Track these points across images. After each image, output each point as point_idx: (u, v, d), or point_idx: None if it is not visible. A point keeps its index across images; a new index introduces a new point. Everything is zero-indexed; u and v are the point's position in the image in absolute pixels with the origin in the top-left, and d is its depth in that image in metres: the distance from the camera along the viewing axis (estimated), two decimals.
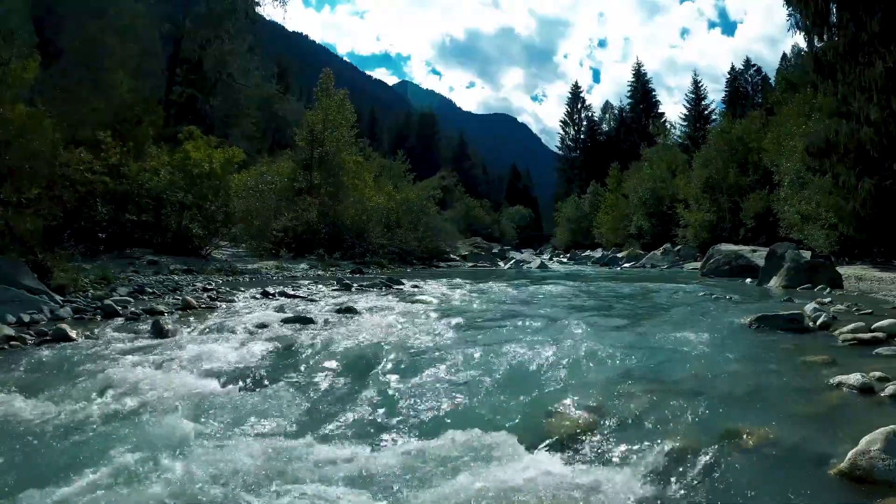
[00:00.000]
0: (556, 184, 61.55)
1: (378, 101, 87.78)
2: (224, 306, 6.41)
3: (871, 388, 2.76)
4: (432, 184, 25.79)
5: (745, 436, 2.24)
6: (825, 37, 11.85)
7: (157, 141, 13.26)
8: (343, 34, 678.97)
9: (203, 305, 6.34)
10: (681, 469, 2.06)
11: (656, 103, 54.88)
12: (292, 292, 7.88)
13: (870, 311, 5.50)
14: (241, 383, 3.32)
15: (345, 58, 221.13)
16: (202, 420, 2.61)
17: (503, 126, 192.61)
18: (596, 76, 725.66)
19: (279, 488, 1.98)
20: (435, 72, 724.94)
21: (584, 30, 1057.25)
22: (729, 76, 45.54)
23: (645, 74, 55.84)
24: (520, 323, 5.35)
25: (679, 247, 24.77)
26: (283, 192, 17.79)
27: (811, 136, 13.41)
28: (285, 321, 5.22)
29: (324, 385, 3.32)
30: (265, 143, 29.32)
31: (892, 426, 2.00)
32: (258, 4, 27.26)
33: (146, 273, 9.21)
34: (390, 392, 3.07)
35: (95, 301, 6.01)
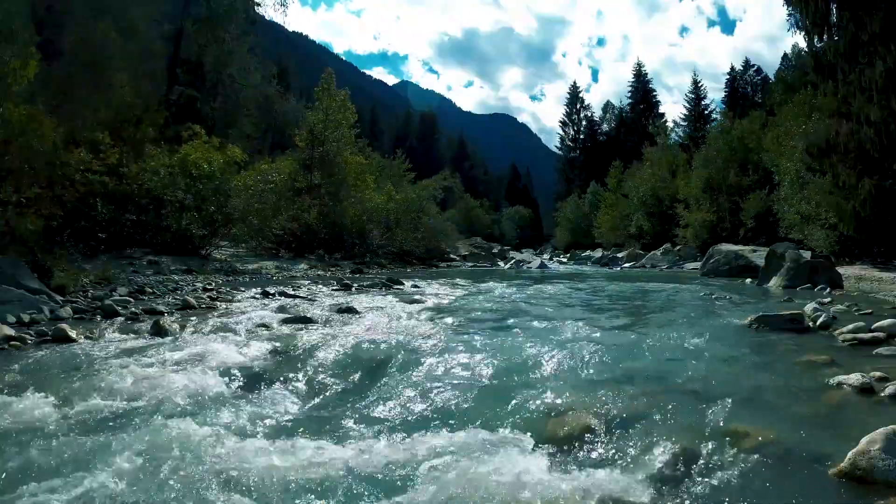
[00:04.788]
0: (556, 184, 61.52)
1: (378, 101, 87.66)
2: (224, 306, 6.41)
3: (871, 388, 2.76)
4: (433, 184, 25.72)
5: (745, 436, 2.24)
6: (825, 37, 11.84)
7: (157, 141, 13.25)
8: (340, 33, 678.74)
9: (203, 305, 6.34)
10: (681, 469, 2.06)
11: (656, 103, 54.88)
12: (292, 292, 7.88)
13: (870, 311, 5.50)
14: (241, 383, 3.32)
15: (342, 56, 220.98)
16: (202, 420, 2.61)
17: (503, 126, 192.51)
18: (595, 75, 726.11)
19: (279, 488, 1.98)
20: (432, 70, 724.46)
21: (582, 28, 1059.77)
22: (728, 76, 45.58)
23: (645, 74, 55.85)
24: (519, 323, 5.35)
25: (679, 247, 24.76)
26: (282, 192, 17.78)
27: (811, 136, 13.39)
28: (285, 321, 5.23)
29: (324, 385, 3.32)
30: (265, 143, 29.26)
31: (892, 426, 2.00)
32: (258, 5, 27.25)
33: (146, 273, 9.21)
34: (390, 392, 3.07)
35: (95, 301, 6.01)
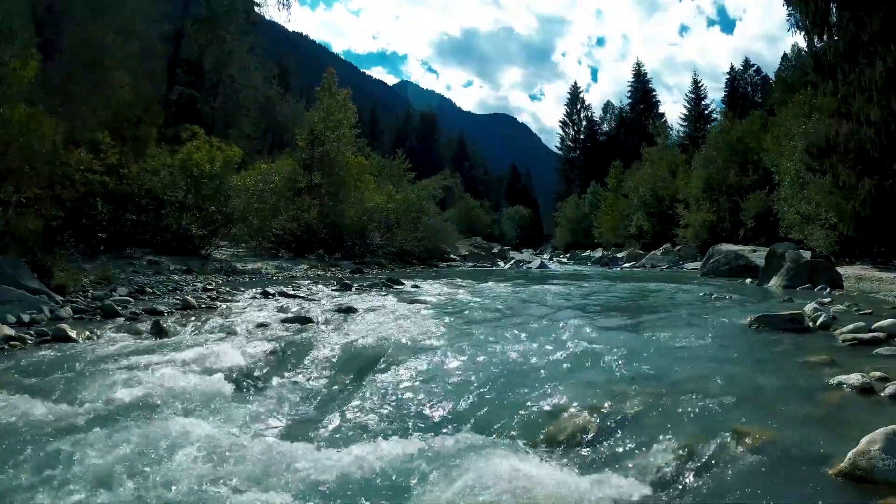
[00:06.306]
0: (556, 184, 61.53)
1: (378, 101, 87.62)
2: (224, 306, 6.41)
3: (871, 388, 2.75)
4: (432, 184, 25.73)
5: (745, 436, 2.24)
6: (825, 37, 11.84)
7: (157, 141, 13.26)
8: (339, 33, 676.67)
9: (203, 305, 6.34)
10: (681, 469, 2.06)
11: (656, 103, 54.90)
12: (292, 292, 7.88)
13: (870, 311, 5.50)
14: (241, 383, 3.32)
15: (341, 56, 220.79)
16: (202, 420, 2.62)
17: (503, 126, 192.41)
18: (594, 75, 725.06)
19: (279, 488, 1.98)
20: (432, 70, 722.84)
21: (582, 28, 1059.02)
22: (728, 76, 45.60)
23: (645, 74, 55.86)
24: (519, 323, 5.34)
25: (679, 247, 24.76)
26: (282, 192, 17.80)
27: (811, 136, 13.39)
28: (285, 321, 5.23)
29: (324, 385, 3.32)
30: (265, 143, 29.25)
31: (892, 426, 2.00)
32: (258, 6, 27.25)
33: (146, 273, 9.22)
34: (390, 392, 3.07)
35: (95, 301, 6.02)
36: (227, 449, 2.27)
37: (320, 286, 9.02)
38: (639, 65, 56.03)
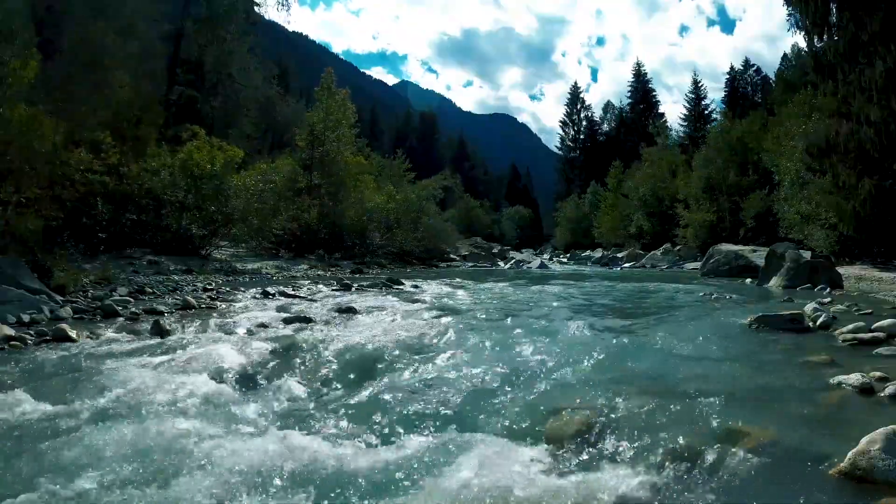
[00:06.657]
0: (556, 184, 61.54)
1: (378, 101, 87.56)
2: (224, 306, 6.41)
3: (871, 388, 2.76)
4: (432, 184, 25.73)
5: (745, 436, 2.24)
6: (825, 37, 11.84)
7: (157, 141, 13.28)
8: (339, 33, 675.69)
9: (203, 305, 6.34)
10: (681, 469, 2.06)
11: (656, 103, 54.90)
12: (292, 292, 7.88)
13: (870, 311, 5.50)
14: (241, 383, 3.32)
15: (341, 56, 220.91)
16: (202, 420, 2.61)
17: (503, 126, 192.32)
18: (594, 75, 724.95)
19: (279, 488, 1.98)
20: (432, 70, 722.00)
21: (582, 28, 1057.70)
22: (728, 76, 45.60)
23: (645, 74, 55.87)
24: (519, 323, 5.34)
25: (679, 247, 24.77)
26: (282, 192, 17.80)
27: (811, 136, 13.40)
28: (285, 321, 5.23)
29: (324, 385, 3.32)
30: (265, 143, 29.24)
31: (892, 426, 2.00)
32: (258, 6, 27.26)
33: (146, 273, 9.22)
34: (390, 392, 3.07)
35: (95, 301, 6.01)
36: (227, 449, 2.27)
37: (320, 286, 9.02)
38: (639, 65, 56.12)
